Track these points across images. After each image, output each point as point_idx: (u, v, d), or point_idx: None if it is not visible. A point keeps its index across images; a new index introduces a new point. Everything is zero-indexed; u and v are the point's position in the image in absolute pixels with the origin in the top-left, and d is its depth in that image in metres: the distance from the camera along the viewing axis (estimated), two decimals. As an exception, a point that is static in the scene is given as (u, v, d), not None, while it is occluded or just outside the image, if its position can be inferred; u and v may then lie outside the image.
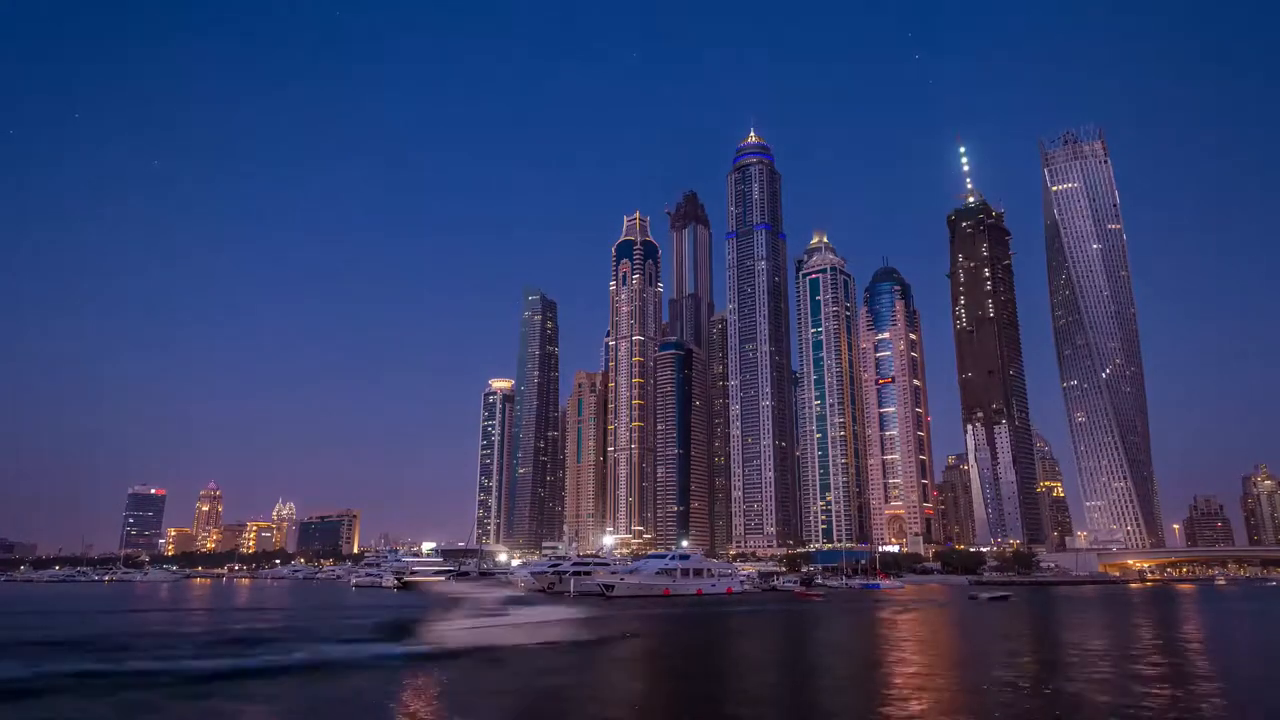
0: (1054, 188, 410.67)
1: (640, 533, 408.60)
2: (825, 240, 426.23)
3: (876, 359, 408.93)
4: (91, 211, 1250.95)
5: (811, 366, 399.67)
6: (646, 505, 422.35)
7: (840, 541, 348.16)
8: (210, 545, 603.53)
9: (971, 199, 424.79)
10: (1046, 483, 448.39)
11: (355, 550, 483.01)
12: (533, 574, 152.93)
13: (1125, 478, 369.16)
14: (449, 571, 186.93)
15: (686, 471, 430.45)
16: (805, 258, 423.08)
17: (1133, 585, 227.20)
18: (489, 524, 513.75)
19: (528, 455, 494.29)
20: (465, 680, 33.61)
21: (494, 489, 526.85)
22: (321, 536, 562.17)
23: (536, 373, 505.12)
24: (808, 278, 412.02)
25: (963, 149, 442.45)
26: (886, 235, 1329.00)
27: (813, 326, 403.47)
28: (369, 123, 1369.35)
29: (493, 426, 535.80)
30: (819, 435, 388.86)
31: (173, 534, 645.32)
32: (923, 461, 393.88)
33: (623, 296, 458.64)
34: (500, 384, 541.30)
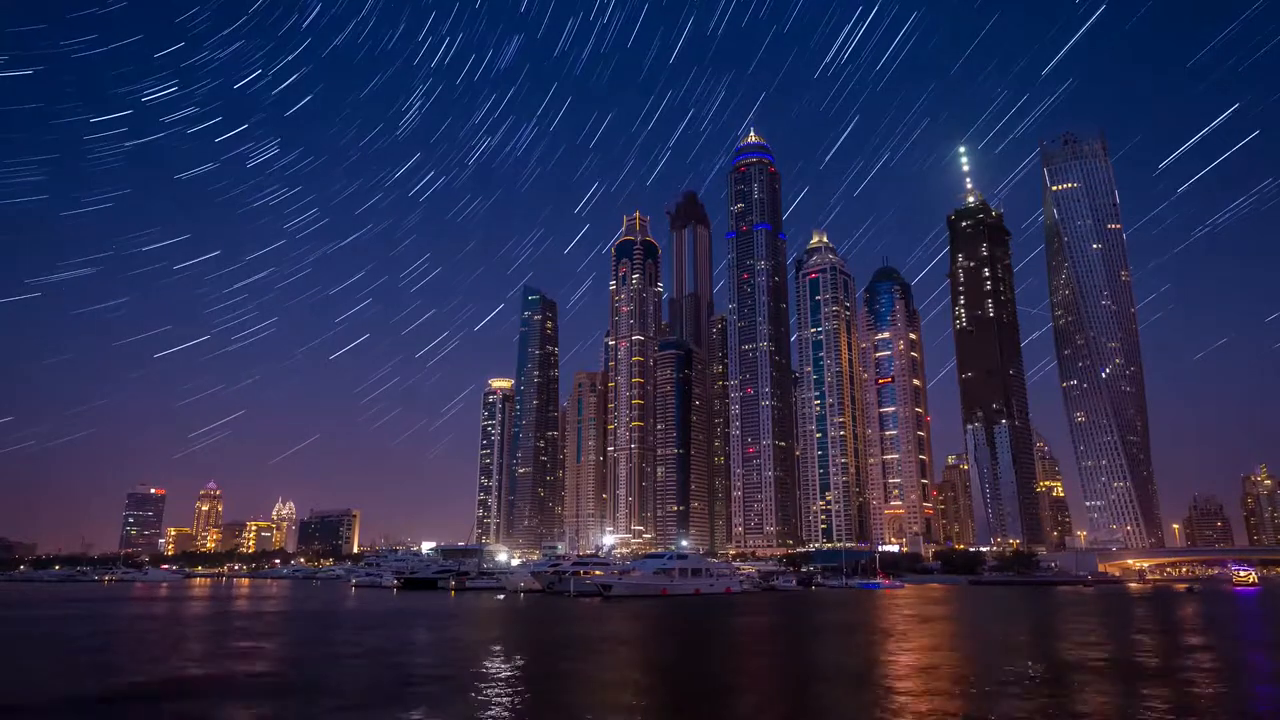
0: (1054, 188, 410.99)
1: (640, 532, 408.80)
2: (825, 240, 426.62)
3: (876, 359, 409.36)
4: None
5: (811, 366, 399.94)
6: (646, 505, 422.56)
7: (840, 541, 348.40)
8: (210, 545, 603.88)
9: (971, 199, 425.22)
10: (1046, 483, 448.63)
11: (355, 550, 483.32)
12: (532, 573, 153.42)
13: (1125, 478, 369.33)
14: (450, 571, 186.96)
15: (686, 471, 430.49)
16: (805, 258, 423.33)
17: (1132, 585, 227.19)
18: (489, 523, 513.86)
19: (528, 455, 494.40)
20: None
21: (494, 489, 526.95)
22: (321, 536, 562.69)
23: (536, 373, 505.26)
24: (807, 278, 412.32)
25: (963, 149, 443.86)
26: (886, 235, 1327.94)
27: (812, 326, 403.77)
28: (375, 126, 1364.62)
29: (493, 426, 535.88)
30: (819, 435, 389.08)
31: (173, 534, 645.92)
32: (923, 461, 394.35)
33: (623, 296, 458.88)
34: (500, 384, 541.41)
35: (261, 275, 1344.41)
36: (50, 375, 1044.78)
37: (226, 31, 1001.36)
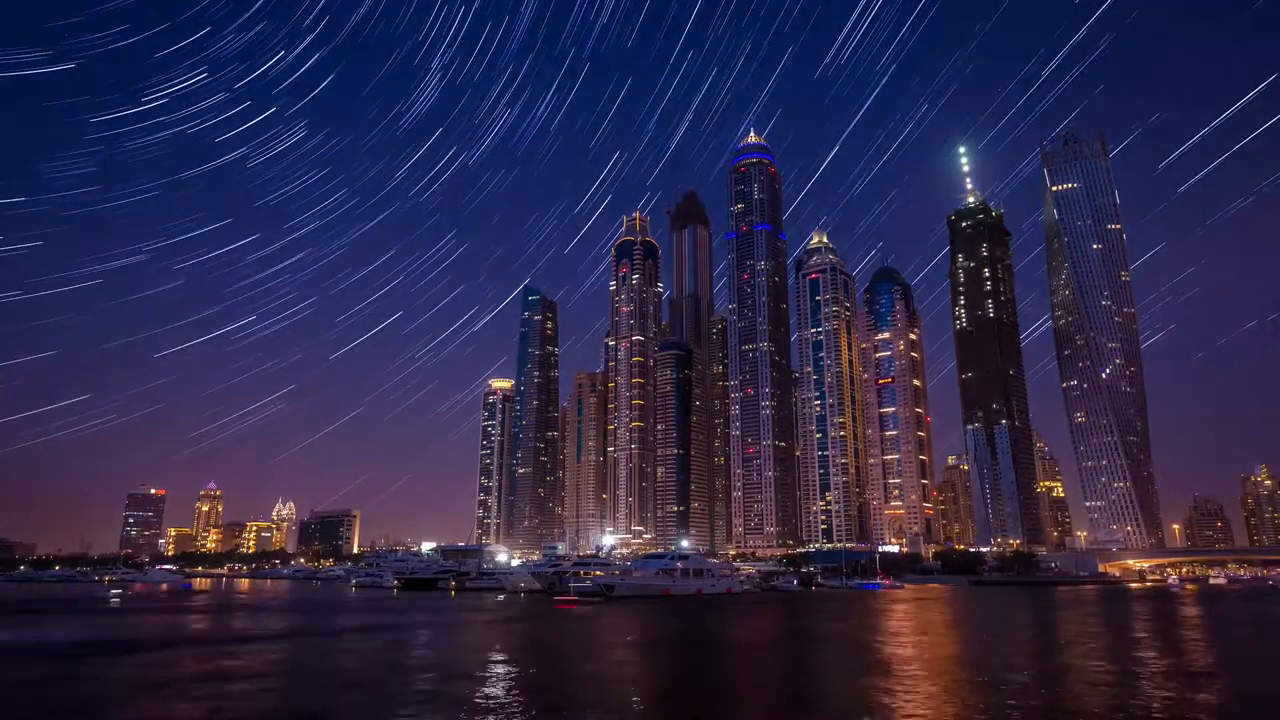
0: (1054, 188, 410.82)
1: (640, 533, 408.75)
2: (825, 240, 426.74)
3: (876, 359, 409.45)
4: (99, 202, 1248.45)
5: (812, 367, 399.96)
6: (646, 505, 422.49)
7: (840, 541, 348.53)
8: (210, 545, 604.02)
9: (971, 199, 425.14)
10: (1046, 483, 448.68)
11: (355, 550, 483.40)
12: (533, 574, 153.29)
13: (1125, 478, 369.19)
14: (450, 572, 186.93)
15: (686, 471, 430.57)
16: (805, 258, 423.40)
17: (1132, 585, 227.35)
18: (489, 524, 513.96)
19: (528, 455, 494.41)
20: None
21: (494, 489, 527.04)
22: (321, 536, 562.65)
23: (536, 373, 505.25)
24: (807, 278, 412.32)
25: (963, 149, 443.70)
26: (886, 235, 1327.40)
27: (812, 326, 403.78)
28: (396, 104, 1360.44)
29: (493, 426, 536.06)
30: (819, 435, 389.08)
31: (173, 534, 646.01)
32: (923, 461, 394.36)
33: (623, 296, 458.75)
34: (500, 384, 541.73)
35: (260, 272, 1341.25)
36: (108, 359, 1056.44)
37: (246, 15, 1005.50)
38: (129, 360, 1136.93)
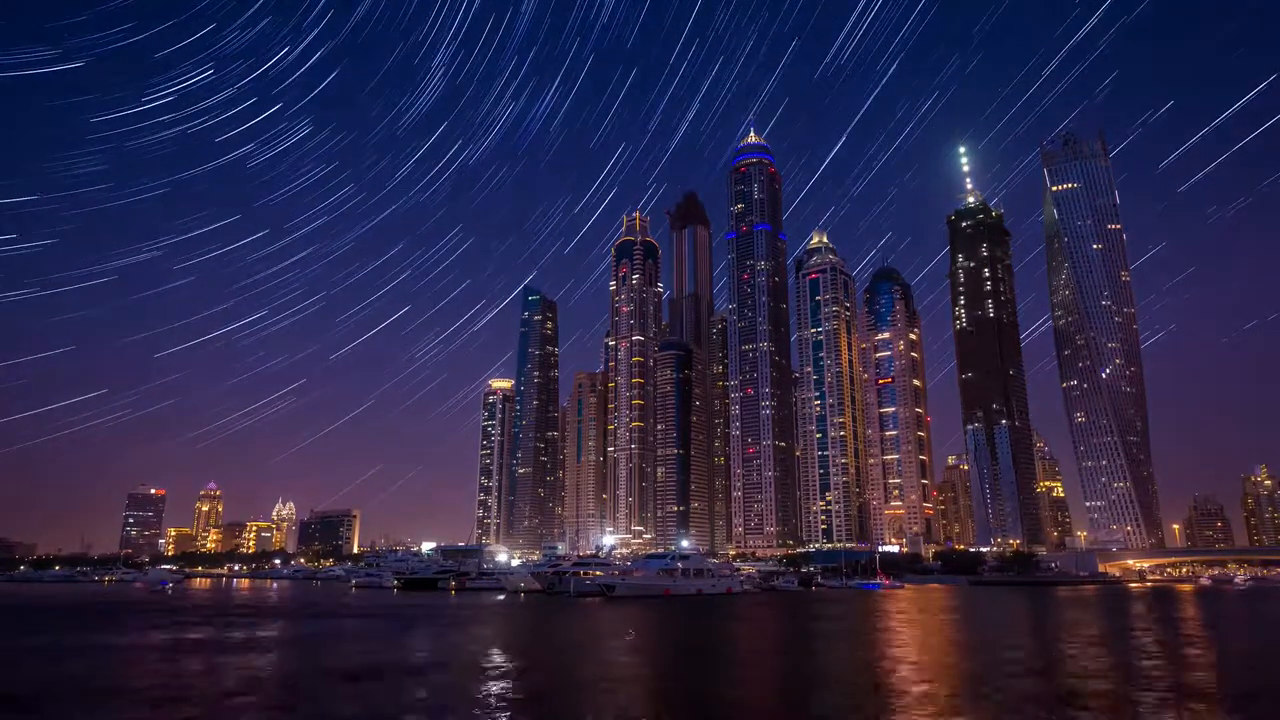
0: (1054, 188, 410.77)
1: (640, 533, 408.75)
2: (825, 240, 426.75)
3: (876, 359, 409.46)
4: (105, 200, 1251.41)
5: (811, 367, 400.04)
6: (646, 505, 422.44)
7: (840, 542, 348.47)
8: (210, 545, 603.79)
9: (971, 199, 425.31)
10: (1046, 483, 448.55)
11: (355, 550, 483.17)
12: (533, 574, 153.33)
13: (1125, 478, 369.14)
14: (450, 571, 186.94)
15: (686, 471, 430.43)
16: (805, 258, 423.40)
17: (1132, 585, 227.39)
18: (489, 524, 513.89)
19: (528, 455, 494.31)
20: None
21: (494, 489, 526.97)
22: (321, 536, 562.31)
23: (536, 373, 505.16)
24: (807, 278, 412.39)
25: (962, 149, 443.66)
26: (886, 235, 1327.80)
27: (812, 326, 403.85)
28: (401, 98, 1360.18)
29: (493, 426, 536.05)
30: (819, 435, 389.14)
31: (173, 534, 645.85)
32: (923, 461, 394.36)
33: (623, 296, 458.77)
34: (500, 384, 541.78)
35: (260, 272, 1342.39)
36: (118, 356, 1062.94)
37: (250, 11, 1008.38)
38: (138, 358, 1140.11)
